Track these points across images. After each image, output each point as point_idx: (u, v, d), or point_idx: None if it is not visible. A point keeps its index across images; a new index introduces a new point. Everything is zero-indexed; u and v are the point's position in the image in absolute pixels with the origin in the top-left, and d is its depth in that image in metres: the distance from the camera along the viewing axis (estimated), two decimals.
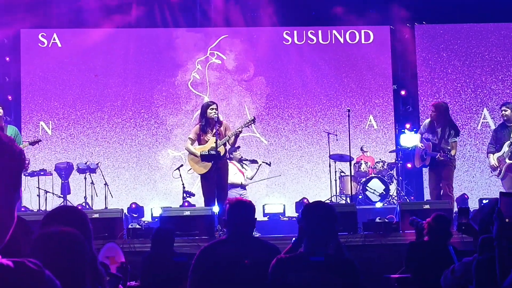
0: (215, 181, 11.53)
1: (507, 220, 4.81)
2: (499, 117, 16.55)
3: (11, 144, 2.04)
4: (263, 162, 14.42)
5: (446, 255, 6.95)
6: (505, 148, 12.44)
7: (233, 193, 13.40)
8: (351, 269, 4.81)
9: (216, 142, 11.35)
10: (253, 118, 12.06)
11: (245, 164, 14.27)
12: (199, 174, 11.83)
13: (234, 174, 13.80)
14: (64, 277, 2.79)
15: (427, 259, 7.19)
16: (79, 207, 14.19)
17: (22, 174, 2.15)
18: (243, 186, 13.97)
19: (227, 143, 11.66)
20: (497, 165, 12.56)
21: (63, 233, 3.03)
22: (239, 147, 13.93)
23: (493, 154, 12.69)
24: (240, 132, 11.71)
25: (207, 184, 11.71)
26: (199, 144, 11.80)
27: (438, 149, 12.11)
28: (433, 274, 6.93)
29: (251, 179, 14.36)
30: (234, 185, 13.74)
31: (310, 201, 14.75)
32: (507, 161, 12.36)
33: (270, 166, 14.99)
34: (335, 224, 4.80)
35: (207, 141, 11.65)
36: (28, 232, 4.07)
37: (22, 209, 13.69)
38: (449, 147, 12.07)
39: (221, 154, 11.54)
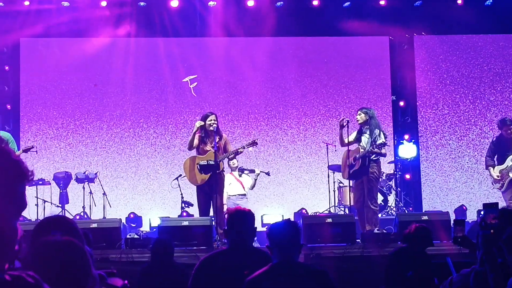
0: (210, 192, 11.59)
1: (491, 231, 4.82)
2: (497, 128, 16.61)
3: (5, 156, 2.02)
4: (261, 171, 14.42)
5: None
6: (509, 162, 12.45)
7: (230, 203, 13.42)
8: (325, 279, 4.85)
9: (215, 156, 11.44)
10: (255, 140, 12.11)
11: (245, 174, 14.26)
12: (194, 185, 11.94)
13: (229, 184, 13.80)
14: (66, 286, 2.80)
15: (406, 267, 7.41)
16: (78, 217, 14.30)
17: (24, 184, 2.12)
18: (241, 196, 13.95)
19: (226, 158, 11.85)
20: (500, 178, 12.54)
21: (67, 243, 3.03)
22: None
23: (493, 167, 12.67)
24: (241, 152, 11.83)
25: (202, 195, 11.78)
26: (197, 154, 11.86)
27: (367, 153, 11.99)
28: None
29: (252, 189, 14.34)
30: (232, 195, 13.75)
31: (309, 211, 14.88)
32: (510, 175, 12.36)
33: (269, 176, 14.97)
34: (298, 238, 4.88)
35: (206, 152, 11.70)
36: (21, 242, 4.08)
37: (20, 218, 13.66)
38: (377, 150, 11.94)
39: (220, 168, 11.65)
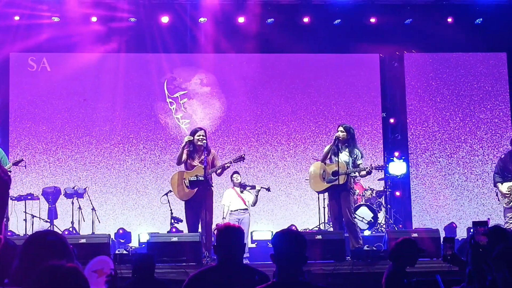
0: (199, 207, 11.56)
1: (480, 249, 4.81)
2: (487, 146, 16.63)
3: None
4: (262, 187, 14.37)
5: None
6: None
7: (232, 218, 13.39)
8: None
9: (205, 170, 11.41)
10: (243, 155, 12.09)
11: (246, 190, 14.20)
12: (181, 200, 11.91)
13: (230, 199, 13.75)
14: None
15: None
16: (66, 232, 14.24)
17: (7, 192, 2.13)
18: (243, 211, 13.85)
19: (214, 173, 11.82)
20: (509, 193, 12.52)
21: (72, 270, 3.03)
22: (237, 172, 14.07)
23: (501, 183, 12.65)
24: (228, 167, 11.79)
25: (190, 210, 11.76)
26: (185, 169, 11.85)
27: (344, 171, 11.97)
28: None
29: (254, 205, 14.26)
30: (233, 210, 13.69)
31: (299, 228, 14.84)
32: None
33: (269, 191, 14.89)
34: (304, 251, 4.80)
35: (193, 167, 11.68)
36: (15, 256, 4.06)
37: (9, 233, 13.60)
38: (357, 169, 11.93)
39: (208, 183, 11.62)
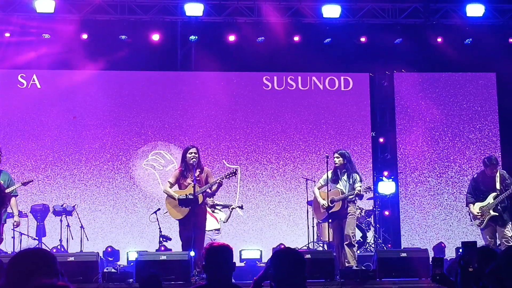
0: (192, 226, 11.51)
1: (470, 269, 4.81)
2: (476, 166, 16.64)
3: None
4: (237, 206, 14.40)
5: None
6: (490, 199, 12.44)
7: (206, 238, 13.36)
8: None
9: (194, 188, 11.36)
10: (235, 170, 12.04)
11: (218, 209, 14.21)
12: (176, 219, 11.84)
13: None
14: None
15: None
16: (54, 250, 14.17)
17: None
18: (217, 231, 13.88)
19: (208, 191, 11.73)
20: (480, 214, 12.53)
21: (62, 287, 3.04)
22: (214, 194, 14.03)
23: (473, 204, 12.66)
24: (221, 183, 11.72)
25: (184, 229, 11.71)
26: (179, 189, 11.81)
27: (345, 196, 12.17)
28: None
29: (225, 222, 14.29)
30: (207, 230, 13.67)
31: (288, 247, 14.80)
32: (491, 212, 12.36)
33: (242, 209, 14.93)
34: (303, 271, 4.80)
35: (186, 186, 11.65)
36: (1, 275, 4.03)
37: None
38: (355, 192, 12.11)
39: (199, 201, 11.55)
